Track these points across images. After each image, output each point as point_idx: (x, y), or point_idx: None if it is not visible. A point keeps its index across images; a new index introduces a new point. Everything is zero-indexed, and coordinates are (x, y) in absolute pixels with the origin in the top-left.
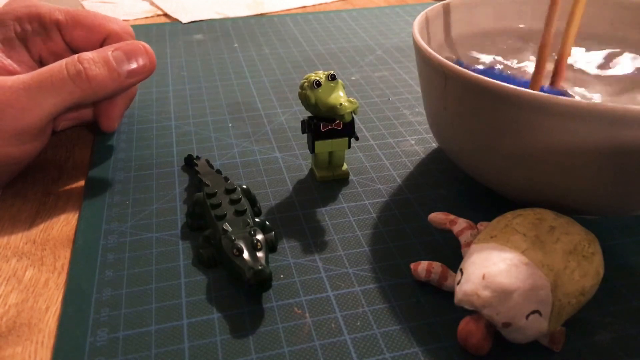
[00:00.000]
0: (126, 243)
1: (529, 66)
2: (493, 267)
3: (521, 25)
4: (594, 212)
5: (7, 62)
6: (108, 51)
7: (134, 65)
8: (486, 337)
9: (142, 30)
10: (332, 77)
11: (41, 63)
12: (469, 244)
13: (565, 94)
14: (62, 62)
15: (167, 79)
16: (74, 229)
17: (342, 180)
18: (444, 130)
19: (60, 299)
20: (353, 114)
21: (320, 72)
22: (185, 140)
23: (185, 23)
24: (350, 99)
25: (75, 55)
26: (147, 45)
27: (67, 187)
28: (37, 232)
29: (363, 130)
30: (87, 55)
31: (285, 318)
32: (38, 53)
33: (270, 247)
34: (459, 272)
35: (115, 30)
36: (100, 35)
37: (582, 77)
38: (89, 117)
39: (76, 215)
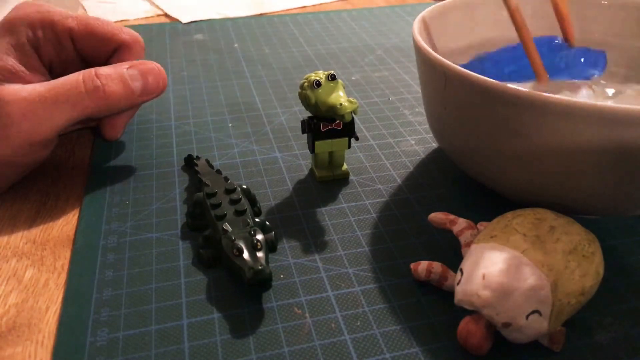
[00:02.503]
0: (126, 243)
1: None
2: (493, 267)
3: None
4: (594, 212)
5: (20, 68)
6: (123, 68)
7: (147, 85)
8: (486, 337)
9: (142, 30)
10: (332, 77)
11: (51, 69)
12: (469, 244)
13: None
14: (78, 77)
15: (167, 79)
16: (74, 229)
17: (342, 180)
18: (444, 130)
19: (60, 299)
20: (353, 114)
21: (320, 72)
22: (185, 140)
23: (185, 23)
24: (350, 99)
25: (92, 70)
26: (160, 66)
27: (67, 187)
28: (37, 232)
29: (363, 130)
30: (104, 70)
31: (285, 318)
32: (49, 60)
33: (270, 247)
34: (459, 272)
35: (127, 41)
36: (111, 46)
37: None
38: (93, 124)
39: (76, 215)
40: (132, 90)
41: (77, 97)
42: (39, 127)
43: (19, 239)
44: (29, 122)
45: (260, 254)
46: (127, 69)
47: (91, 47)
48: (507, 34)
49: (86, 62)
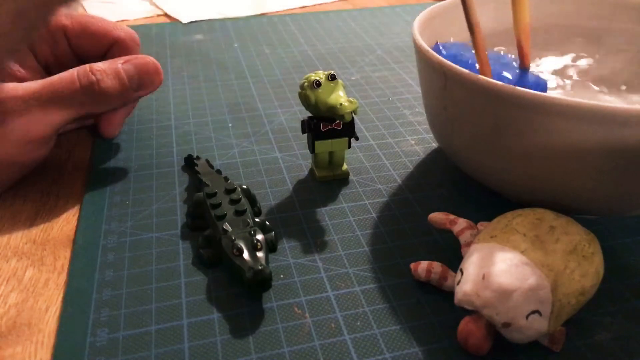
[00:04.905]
0: (126, 243)
1: None
2: (493, 267)
3: None
4: (594, 212)
5: (15, 67)
6: (118, 63)
7: (143, 80)
8: (486, 337)
9: (142, 30)
10: (332, 77)
11: (47, 68)
12: (469, 244)
13: (538, 79)
14: (73, 73)
15: (167, 79)
16: (74, 229)
17: (342, 180)
18: (444, 130)
19: (60, 299)
20: (353, 114)
21: (320, 72)
22: (185, 140)
23: (185, 23)
24: (350, 99)
25: (87, 66)
26: (155, 61)
27: (67, 187)
28: (37, 232)
29: (363, 130)
30: (99, 66)
31: (285, 318)
32: (44, 58)
33: (270, 247)
34: (459, 272)
35: (122, 38)
36: (106, 43)
37: None
38: (90, 122)
39: (76, 215)
40: (127, 85)
41: (73, 93)
42: (36, 125)
43: (19, 239)
44: (26, 121)
45: (260, 254)
46: (122, 64)
47: (86, 45)
48: (507, 34)
49: (82, 59)
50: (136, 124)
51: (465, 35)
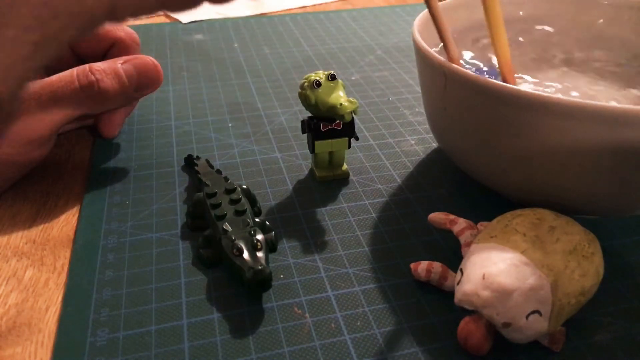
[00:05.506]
0: (126, 243)
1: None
2: (493, 267)
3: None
4: (594, 212)
5: None
6: (118, 63)
7: (143, 80)
8: (486, 337)
9: (142, 30)
10: (332, 77)
11: (46, 67)
12: (469, 244)
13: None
14: (72, 72)
15: (167, 79)
16: (74, 229)
17: (342, 180)
18: (444, 130)
19: (60, 299)
20: (353, 114)
21: (320, 72)
22: (185, 140)
23: (185, 23)
24: (350, 99)
25: (87, 66)
26: (155, 61)
27: (67, 187)
28: (37, 232)
29: (363, 130)
30: (99, 66)
31: (285, 318)
32: None
33: (270, 247)
34: (459, 272)
35: (122, 38)
36: (106, 42)
37: None
38: (90, 122)
39: (76, 215)
40: (126, 85)
41: (72, 93)
42: (35, 125)
43: (19, 239)
44: (25, 121)
45: (260, 254)
46: (122, 64)
47: (86, 45)
48: (508, 34)
49: (81, 59)
50: (136, 124)
51: (464, 35)
